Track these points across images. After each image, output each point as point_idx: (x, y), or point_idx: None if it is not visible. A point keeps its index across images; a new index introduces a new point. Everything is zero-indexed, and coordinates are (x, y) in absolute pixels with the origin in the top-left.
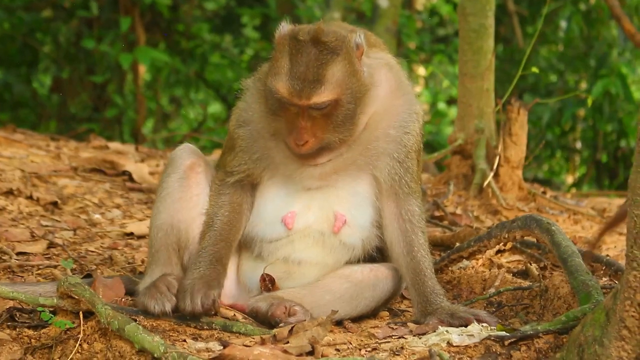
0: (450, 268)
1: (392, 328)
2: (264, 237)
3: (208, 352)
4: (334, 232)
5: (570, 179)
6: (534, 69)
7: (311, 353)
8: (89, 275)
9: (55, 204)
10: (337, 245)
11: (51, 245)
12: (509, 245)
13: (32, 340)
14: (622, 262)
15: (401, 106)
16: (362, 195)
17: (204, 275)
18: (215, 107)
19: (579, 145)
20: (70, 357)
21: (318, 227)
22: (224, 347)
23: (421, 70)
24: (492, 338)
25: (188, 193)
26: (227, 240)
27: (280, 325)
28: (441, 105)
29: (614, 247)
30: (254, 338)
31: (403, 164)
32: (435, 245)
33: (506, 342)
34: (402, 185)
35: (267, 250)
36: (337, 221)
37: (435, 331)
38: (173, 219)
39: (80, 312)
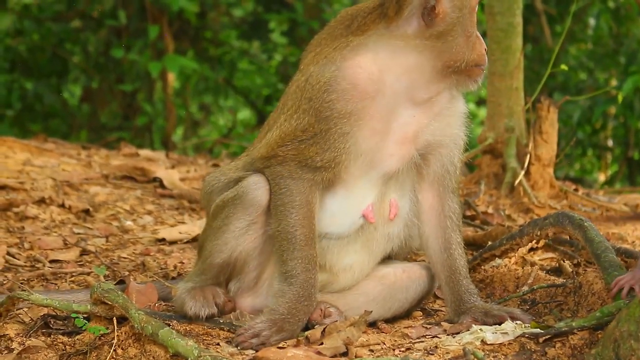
0: (482, 267)
1: (426, 327)
2: (341, 234)
3: (241, 355)
4: (390, 218)
5: (602, 177)
6: (563, 67)
7: (345, 354)
8: (121, 282)
9: (87, 211)
10: (382, 237)
11: (84, 252)
12: (542, 242)
13: (67, 346)
14: None
15: (463, 103)
16: (407, 183)
17: (304, 311)
18: (244, 114)
19: (610, 143)
20: None
21: (378, 216)
22: (257, 350)
23: None
24: (527, 335)
25: (257, 233)
26: (313, 260)
27: (316, 327)
28: (471, 106)
29: None
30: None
31: (454, 159)
32: (468, 244)
33: (541, 339)
34: (448, 180)
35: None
36: (392, 208)
37: (469, 330)
38: (235, 251)
39: (114, 318)
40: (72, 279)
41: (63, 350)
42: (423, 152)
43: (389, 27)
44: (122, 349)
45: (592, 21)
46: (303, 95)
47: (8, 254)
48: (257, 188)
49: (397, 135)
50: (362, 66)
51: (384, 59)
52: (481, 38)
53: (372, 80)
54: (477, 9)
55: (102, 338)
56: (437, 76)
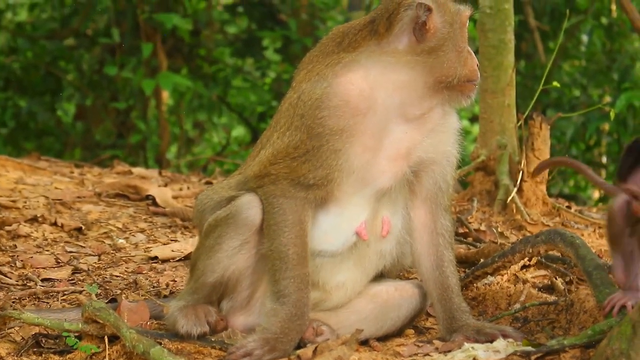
0: (475, 284)
1: (418, 346)
2: (334, 252)
3: None
4: (383, 235)
5: (596, 194)
6: (555, 84)
7: None
8: (113, 300)
9: (79, 229)
10: (375, 254)
11: (76, 270)
12: (534, 260)
13: None
14: None
15: (456, 119)
16: (399, 200)
17: (296, 330)
18: (238, 131)
19: (604, 159)
20: None
21: (371, 234)
22: None
23: None
24: (518, 353)
25: (250, 252)
26: (305, 279)
27: (308, 345)
28: (464, 123)
29: None
30: None
31: (446, 176)
32: (460, 261)
33: (532, 357)
34: (441, 197)
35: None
36: (385, 225)
37: (461, 348)
38: (227, 271)
39: (106, 337)
40: (64, 297)
41: None
42: (415, 169)
43: (379, 44)
44: None
45: (585, 38)
46: (295, 112)
47: (0, 272)
48: (250, 207)
49: (389, 152)
50: (354, 83)
51: (375, 76)
52: (472, 54)
53: (363, 96)
54: (467, 25)
55: (94, 357)
56: (429, 92)
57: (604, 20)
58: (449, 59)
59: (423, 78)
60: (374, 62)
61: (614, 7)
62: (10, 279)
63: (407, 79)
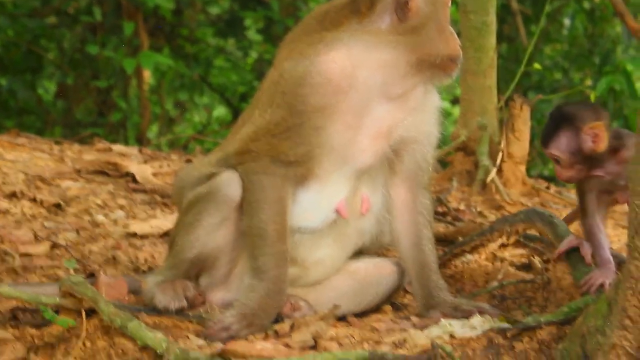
0: (453, 262)
1: (395, 322)
2: (314, 229)
3: (210, 348)
4: (362, 213)
5: None
6: (536, 66)
7: (314, 347)
8: (92, 275)
9: (58, 205)
10: (354, 231)
11: (54, 246)
12: (513, 239)
13: (35, 339)
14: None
15: (437, 97)
16: (379, 178)
17: (274, 306)
18: (220, 111)
19: None
20: (74, 355)
21: (351, 211)
22: (226, 342)
23: None
24: (495, 330)
25: (229, 229)
26: (284, 256)
27: (285, 320)
28: (446, 104)
29: (618, 240)
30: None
31: (427, 155)
32: (439, 240)
33: (508, 334)
34: (421, 176)
35: (306, 246)
36: (364, 203)
37: (437, 324)
38: (206, 247)
39: (83, 311)
40: (43, 272)
41: (31, 342)
42: (396, 148)
43: (361, 23)
44: (90, 341)
45: (567, 21)
46: (277, 90)
47: None
48: (230, 184)
49: (370, 130)
50: (336, 61)
51: (357, 54)
52: (454, 33)
53: (345, 75)
54: (449, 4)
55: (71, 331)
56: (412, 71)
57: (586, 4)
58: (431, 38)
59: (405, 57)
60: (356, 40)
61: None
62: None
63: (389, 57)
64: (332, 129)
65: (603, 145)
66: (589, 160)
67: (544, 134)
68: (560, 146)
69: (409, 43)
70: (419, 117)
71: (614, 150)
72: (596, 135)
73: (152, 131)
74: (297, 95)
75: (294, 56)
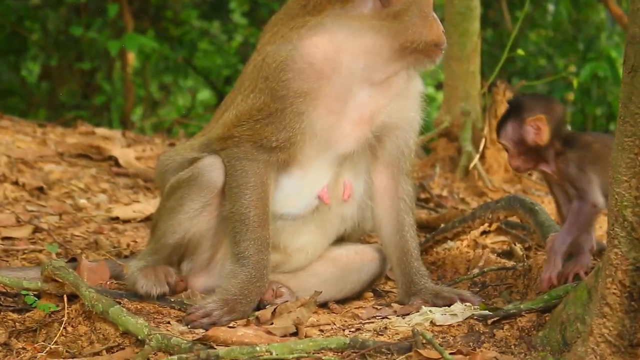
0: (435, 249)
1: (376, 309)
2: (296, 215)
3: (192, 334)
4: (344, 199)
5: None
6: (520, 52)
7: (295, 334)
8: (74, 260)
9: (41, 189)
10: (336, 218)
11: (37, 230)
12: (494, 226)
13: (17, 323)
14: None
15: (420, 83)
16: (361, 164)
17: (256, 292)
18: (204, 94)
19: (569, 129)
20: (55, 340)
21: (333, 197)
22: (208, 329)
23: None
24: (475, 317)
25: (212, 214)
26: (265, 242)
27: (267, 307)
28: (430, 90)
29: (599, 227)
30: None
31: (409, 141)
32: (421, 226)
33: (489, 321)
34: (403, 162)
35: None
36: (347, 189)
37: (418, 311)
38: (188, 232)
39: (65, 295)
40: (24, 256)
41: (13, 327)
42: (378, 134)
43: (345, 7)
44: (72, 326)
45: (551, 7)
46: (260, 75)
47: None
48: (212, 169)
49: (353, 116)
50: (319, 46)
51: (340, 39)
52: (437, 19)
53: (328, 59)
54: None
55: (52, 315)
56: (395, 56)
57: None
58: (414, 24)
59: (388, 42)
60: (340, 25)
61: None
62: None
63: (372, 43)
64: (315, 114)
65: (545, 138)
66: (534, 152)
67: (498, 122)
68: (507, 135)
69: (391, 28)
70: (401, 102)
71: (561, 151)
72: (538, 127)
73: (137, 114)
74: (279, 80)
75: (276, 40)
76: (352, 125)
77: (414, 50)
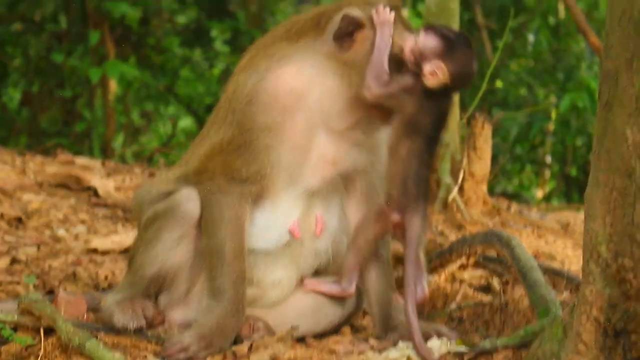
0: None
1: (354, 344)
2: (268, 250)
3: None
4: (316, 235)
5: (540, 193)
6: (498, 83)
7: None
8: (52, 292)
9: (19, 219)
10: (310, 252)
11: (14, 261)
12: (472, 260)
13: None
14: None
15: (384, 133)
16: (334, 199)
17: (232, 326)
18: (185, 122)
19: (548, 159)
20: None
21: (305, 232)
22: None
23: None
24: (452, 353)
25: (189, 247)
26: (242, 275)
27: (244, 342)
28: None
29: (577, 262)
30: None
31: (381, 177)
32: (398, 260)
33: (465, 357)
34: (376, 196)
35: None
36: (319, 224)
37: (395, 346)
38: (165, 265)
39: (41, 329)
40: (1, 288)
41: None
42: (346, 175)
43: (317, 40)
44: None
45: (531, 37)
46: (230, 107)
47: None
48: (189, 201)
49: (316, 154)
50: (285, 79)
51: (307, 75)
52: None
53: (293, 95)
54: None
55: (29, 349)
56: (354, 106)
57: (551, 20)
58: None
59: (347, 90)
60: (309, 59)
61: (561, 6)
62: None
63: (334, 86)
64: (281, 148)
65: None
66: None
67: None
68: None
69: (350, 76)
70: (363, 152)
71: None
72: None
73: (118, 141)
74: (245, 113)
75: (249, 68)
76: (317, 164)
77: (370, 104)
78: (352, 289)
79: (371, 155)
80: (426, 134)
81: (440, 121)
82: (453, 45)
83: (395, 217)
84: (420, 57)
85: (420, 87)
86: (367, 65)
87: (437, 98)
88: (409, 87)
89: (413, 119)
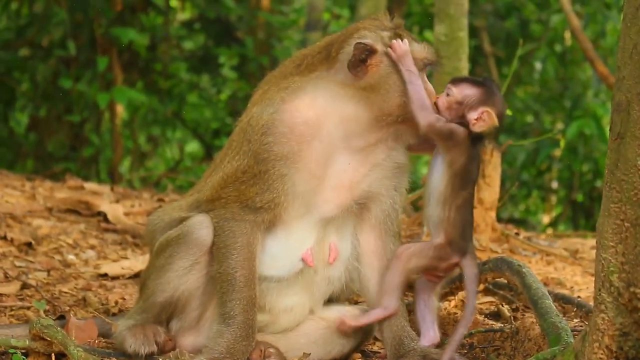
0: None
1: None
2: (280, 277)
3: None
4: (329, 262)
5: (546, 219)
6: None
7: None
8: (62, 317)
9: (29, 244)
10: (322, 280)
11: (25, 286)
12: (482, 286)
13: None
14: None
15: (402, 154)
16: (347, 227)
17: (242, 352)
18: (192, 147)
19: (555, 185)
20: None
21: (318, 260)
22: None
23: None
24: None
25: (201, 273)
26: (252, 302)
27: None
28: None
29: (587, 288)
30: None
31: (395, 204)
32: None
33: None
34: (390, 224)
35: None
36: (332, 252)
37: None
38: (177, 291)
39: (53, 354)
40: (12, 313)
41: None
42: (362, 202)
43: (329, 71)
44: None
45: (538, 65)
46: (244, 137)
47: None
48: (201, 228)
49: (334, 181)
50: (300, 110)
51: (321, 104)
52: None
53: (308, 124)
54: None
55: None
56: (372, 127)
57: (557, 48)
58: (390, 98)
59: (366, 113)
60: (322, 89)
61: (567, 35)
62: None
63: (351, 111)
64: (297, 177)
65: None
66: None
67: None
68: (462, 92)
69: (368, 99)
70: (382, 173)
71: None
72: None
73: (125, 166)
74: (261, 144)
75: (263, 101)
76: (333, 191)
77: (392, 122)
78: (397, 305)
79: (389, 179)
80: (475, 181)
81: (479, 165)
82: (490, 90)
83: (455, 259)
84: (461, 108)
85: (466, 136)
86: (387, 87)
87: (480, 144)
88: (457, 134)
89: (465, 168)
